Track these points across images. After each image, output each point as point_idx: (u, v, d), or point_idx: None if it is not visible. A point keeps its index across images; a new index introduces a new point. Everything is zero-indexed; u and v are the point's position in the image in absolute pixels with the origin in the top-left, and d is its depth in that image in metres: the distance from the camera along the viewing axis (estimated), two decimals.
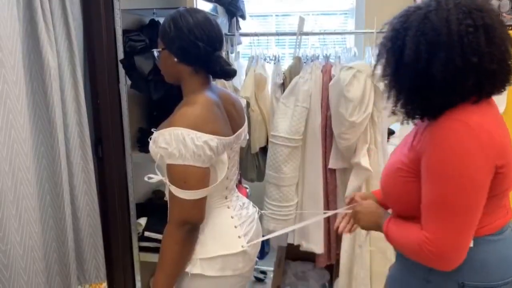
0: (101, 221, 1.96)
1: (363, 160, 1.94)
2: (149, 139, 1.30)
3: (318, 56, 2.10)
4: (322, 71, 2.06)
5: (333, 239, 2.18)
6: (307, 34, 2.20)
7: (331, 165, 2.07)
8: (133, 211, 2.10)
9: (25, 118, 1.57)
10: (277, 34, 2.61)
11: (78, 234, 1.88)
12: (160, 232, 2.09)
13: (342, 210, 1.41)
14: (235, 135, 1.37)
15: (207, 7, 1.95)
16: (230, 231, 1.38)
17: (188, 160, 1.20)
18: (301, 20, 2.17)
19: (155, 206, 2.29)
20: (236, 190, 1.50)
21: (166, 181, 1.26)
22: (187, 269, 1.32)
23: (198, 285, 1.34)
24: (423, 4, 1.04)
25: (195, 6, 1.79)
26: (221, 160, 1.31)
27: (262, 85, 2.18)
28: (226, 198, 1.40)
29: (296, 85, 2.05)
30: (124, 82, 1.97)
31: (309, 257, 2.34)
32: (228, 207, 1.40)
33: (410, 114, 1.10)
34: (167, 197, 1.35)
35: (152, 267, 2.37)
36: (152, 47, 1.90)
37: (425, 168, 1.03)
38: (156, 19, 2.09)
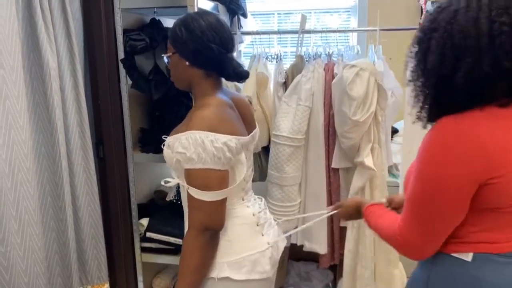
0: (102, 222, 1.95)
1: (367, 159, 1.92)
2: (162, 146, 1.29)
3: (321, 54, 2.08)
4: (324, 69, 2.04)
5: (336, 239, 2.17)
6: (309, 32, 2.18)
7: (334, 164, 2.05)
8: (134, 212, 2.09)
9: (25, 119, 1.56)
10: (279, 32, 2.59)
11: (80, 235, 1.87)
12: (162, 233, 2.10)
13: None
14: (250, 135, 1.37)
15: (208, 5, 1.94)
16: (254, 229, 1.37)
17: (208, 164, 1.18)
18: (303, 18, 2.15)
19: (157, 207, 2.27)
20: (252, 192, 1.48)
21: (184, 184, 1.24)
22: (214, 274, 1.28)
23: None
24: (456, 1, 0.93)
25: (196, 5, 1.77)
26: (240, 161, 1.30)
27: (264, 84, 2.16)
28: (243, 199, 1.38)
29: (298, 83, 2.04)
30: (125, 82, 1.95)
31: (313, 257, 2.33)
32: (248, 206, 1.39)
33: (433, 119, 1.03)
34: (183, 202, 1.33)
35: (154, 268, 2.37)
36: (153, 46, 1.89)
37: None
38: (157, 18, 2.07)
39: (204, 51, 1.26)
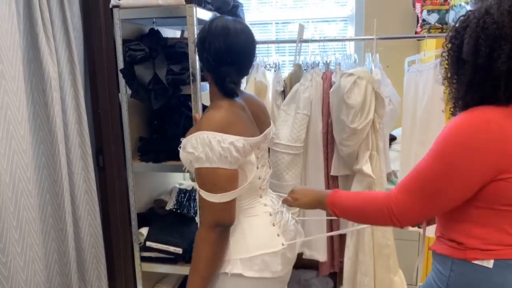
0: (102, 231, 1.95)
1: (365, 166, 1.93)
2: (179, 148, 1.33)
3: (318, 63, 2.10)
4: (322, 78, 2.05)
5: (336, 246, 2.17)
6: (307, 41, 2.20)
7: (333, 172, 2.06)
8: (134, 221, 2.09)
9: (26, 129, 1.57)
10: (277, 41, 2.62)
11: (80, 245, 1.87)
12: (162, 242, 2.09)
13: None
14: (262, 134, 1.40)
15: (207, 16, 1.95)
16: (269, 229, 1.39)
17: (215, 163, 1.22)
18: (301, 28, 2.17)
19: (157, 216, 2.27)
20: (271, 191, 1.52)
21: (196, 186, 1.28)
22: (227, 270, 1.33)
23: (237, 286, 1.35)
24: (486, 2, 1.00)
25: (194, 15, 1.79)
26: (250, 161, 1.33)
27: (263, 93, 2.17)
28: (261, 197, 1.42)
29: (296, 92, 2.05)
30: (125, 92, 1.96)
31: (313, 265, 2.32)
32: (265, 205, 1.42)
33: (465, 108, 1.06)
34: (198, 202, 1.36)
35: (154, 277, 2.36)
36: (152, 56, 1.91)
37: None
38: (156, 28, 2.09)
39: (201, 59, 1.33)
